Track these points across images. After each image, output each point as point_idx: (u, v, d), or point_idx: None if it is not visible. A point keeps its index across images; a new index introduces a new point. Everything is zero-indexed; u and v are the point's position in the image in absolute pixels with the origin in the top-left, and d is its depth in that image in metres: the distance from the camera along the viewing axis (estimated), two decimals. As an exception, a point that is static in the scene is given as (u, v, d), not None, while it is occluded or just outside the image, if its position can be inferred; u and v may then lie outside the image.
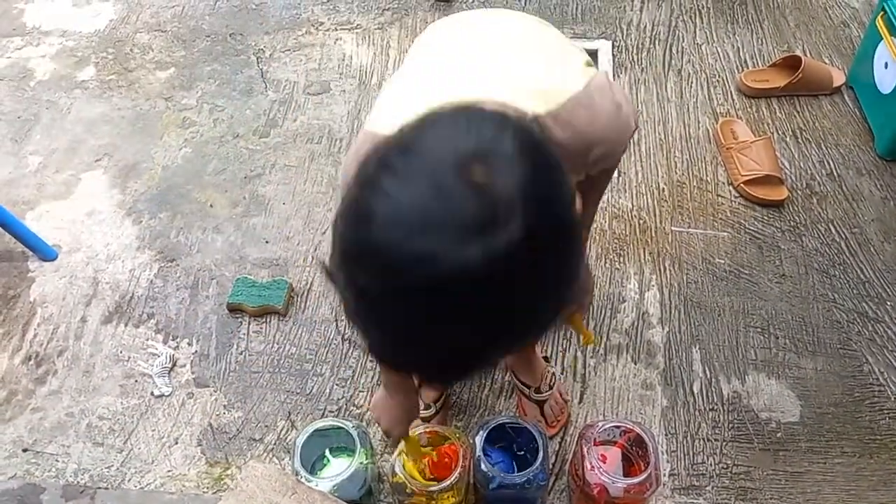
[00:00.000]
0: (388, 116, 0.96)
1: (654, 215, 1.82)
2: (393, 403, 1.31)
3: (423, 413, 1.46)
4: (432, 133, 0.70)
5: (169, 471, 1.48)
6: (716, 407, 1.53)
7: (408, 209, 0.66)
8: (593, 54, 2.12)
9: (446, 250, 0.64)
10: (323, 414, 1.54)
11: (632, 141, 1.33)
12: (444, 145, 0.68)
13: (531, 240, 0.65)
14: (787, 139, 1.97)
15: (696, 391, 1.55)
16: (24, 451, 1.51)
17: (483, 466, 1.28)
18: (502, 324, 0.70)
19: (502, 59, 1.01)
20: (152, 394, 1.58)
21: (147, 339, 1.66)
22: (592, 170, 1.10)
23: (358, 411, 1.54)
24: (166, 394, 1.58)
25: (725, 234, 1.79)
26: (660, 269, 1.73)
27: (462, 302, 0.67)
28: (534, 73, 1.00)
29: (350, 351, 1.63)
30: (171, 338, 1.66)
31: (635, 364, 1.59)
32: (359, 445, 1.30)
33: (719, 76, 2.11)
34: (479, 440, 1.31)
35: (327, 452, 1.37)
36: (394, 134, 0.73)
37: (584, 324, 1.33)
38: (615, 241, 1.77)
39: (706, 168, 1.92)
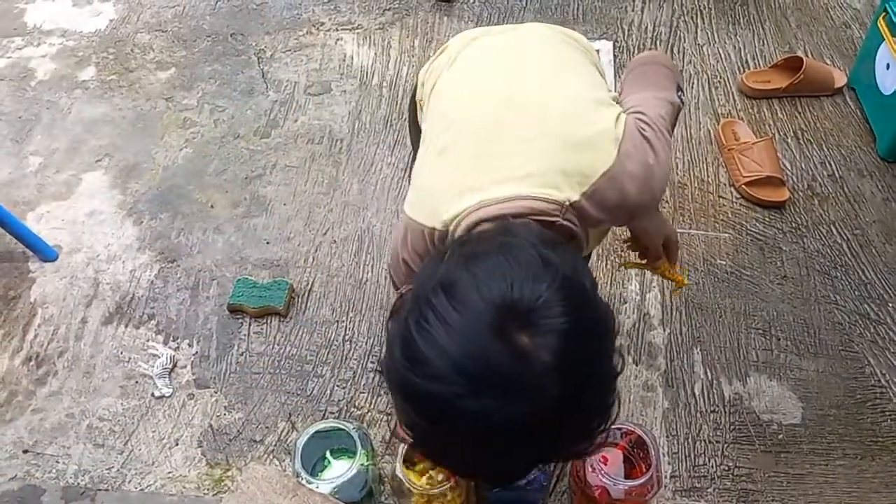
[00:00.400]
0: (424, 205, 0.98)
1: (656, 216, 1.82)
2: None
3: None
4: (480, 278, 0.75)
5: (169, 472, 1.48)
6: (717, 409, 1.53)
7: (457, 365, 0.72)
8: (594, 55, 2.12)
9: (491, 411, 0.72)
10: (324, 415, 1.53)
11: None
12: (490, 298, 0.73)
13: (573, 399, 0.73)
14: (789, 140, 1.97)
15: (697, 393, 1.55)
16: (25, 452, 1.51)
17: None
18: (543, 452, 0.79)
19: (537, 132, 0.97)
20: (153, 395, 1.58)
21: (147, 340, 1.66)
22: (641, 216, 1.15)
23: (359, 412, 1.54)
24: (167, 395, 1.57)
25: (727, 235, 1.79)
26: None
27: (506, 445, 0.74)
28: (566, 151, 0.96)
29: (351, 352, 1.63)
30: (171, 339, 1.66)
31: (636, 365, 1.59)
32: (360, 447, 1.30)
33: (720, 77, 2.11)
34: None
35: (328, 454, 1.37)
36: (445, 261, 0.79)
37: (676, 269, 1.33)
38: (616, 241, 1.76)
39: (707, 169, 1.91)
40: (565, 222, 0.92)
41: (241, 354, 1.63)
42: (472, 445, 0.75)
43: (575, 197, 0.92)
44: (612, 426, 0.80)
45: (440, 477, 1.27)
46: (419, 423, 0.78)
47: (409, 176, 1.10)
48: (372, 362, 1.60)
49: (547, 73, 1.08)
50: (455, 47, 1.17)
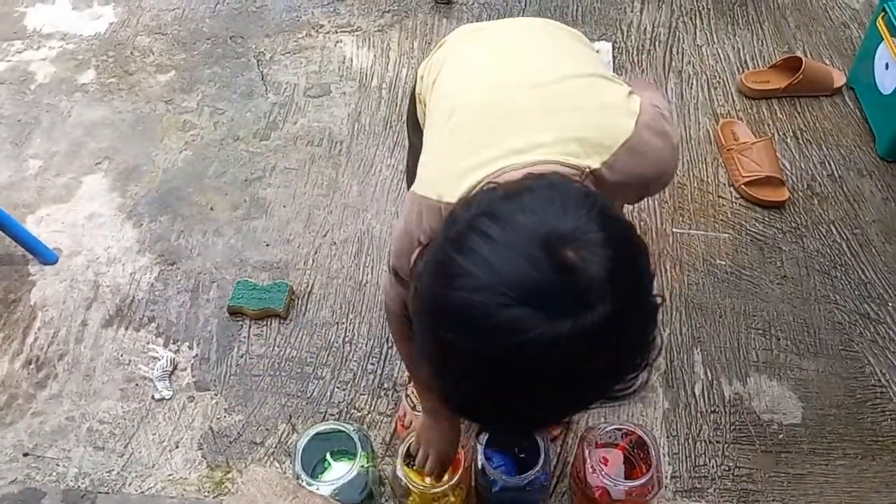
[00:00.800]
0: (442, 183, 0.96)
1: (655, 217, 1.82)
2: (440, 429, 1.26)
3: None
4: (525, 207, 0.73)
5: (170, 475, 1.48)
6: (717, 409, 1.53)
7: (501, 275, 0.69)
8: (593, 56, 2.12)
9: (536, 324, 0.68)
10: (324, 417, 1.53)
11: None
12: (537, 222, 0.72)
13: (617, 320, 0.70)
14: (788, 140, 1.97)
15: (697, 393, 1.55)
16: (25, 455, 1.51)
17: (485, 469, 1.27)
18: (579, 391, 0.75)
19: (552, 108, 0.98)
20: (153, 397, 1.58)
21: (148, 343, 1.66)
22: (648, 196, 1.16)
23: (359, 414, 1.54)
24: (167, 397, 1.57)
25: (726, 235, 1.79)
26: (661, 271, 1.73)
27: (542, 371, 0.70)
28: (583, 122, 0.97)
29: (351, 354, 1.63)
30: (171, 341, 1.66)
31: (636, 366, 1.59)
32: (360, 449, 1.30)
33: (720, 77, 2.11)
34: (480, 442, 1.30)
35: (328, 456, 1.37)
36: (480, 198, 0.77)
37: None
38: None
39: (707, 169, 1.91)
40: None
41: (242, 357, 1.63)
42: (510, 371, 0.70)
43: (595, 165, 0.93)
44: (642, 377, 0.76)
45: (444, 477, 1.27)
46: (447, 344, 0.72)
47: (407, 174, 1.10)
48: (372, 363, 1.60)
49: (553, 54, 1.10)
50: (454, 41, 1.18)
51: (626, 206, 1.83)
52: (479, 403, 0.76)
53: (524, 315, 0.68)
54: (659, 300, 0.78)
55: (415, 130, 1.26)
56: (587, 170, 0.93)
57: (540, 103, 0.99)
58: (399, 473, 1.28)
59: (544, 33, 1.18)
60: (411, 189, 1.02)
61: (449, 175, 0.96)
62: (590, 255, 0.70)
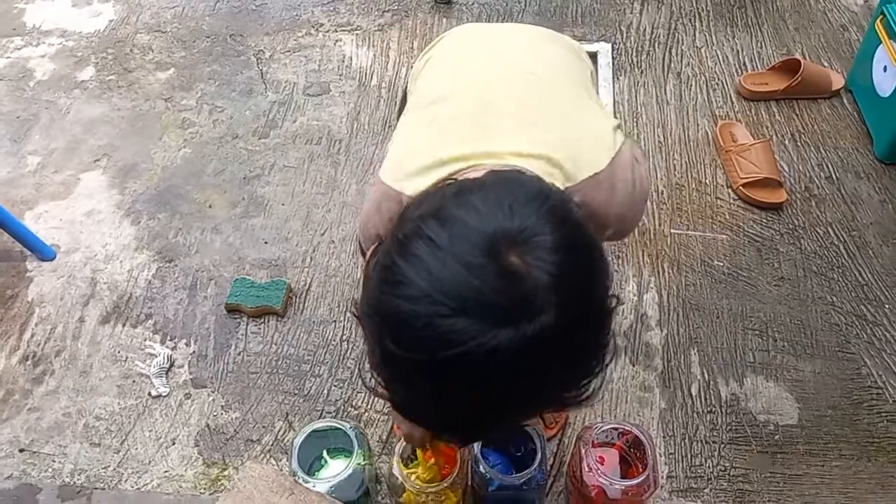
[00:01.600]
0: (406, 173, 0.94)
1: (653, 217, 1.82)
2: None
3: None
4: (473, 205, 0.71)
5: (166, 471, 1.48)
6: (714, 409, 1.53)
7: (441, 285, 0.67)
8: (593, 57, 2.12)
9: (475, 334, 0.66)
10: (321, 415, 1.53)
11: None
12: (483, 222, 0.69)
13: (560, 329, 0.68)
14: (786, 142, 1.97)
15: (694, 393, 1.55)
16: (21, 451, 1.51)
17: (481, 468, 1.27)
18: (524, 397, 0.72)
19: (524, 114, 0.96)
20: (150, 394, 1.58)
21: (145, 340, 1.66)
22: (605, 239, 1.07)
23: (356, 412, 1.54)
24: (164, 394, 1.57)
25: (724, 236, 1.79)
26: (658, 272, 1.73)
27: (484, 379, 0.68)
28: (560, 141, 0.93)
29: (348, 352, 1.63)
30: (168, 338, 1.66)
31: (633, 366, 1.59)
32: (356, 446, 1.30)
33: (718, 79, 2.11)
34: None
35: (325, 453, 1.37)
36: (432, 195, 0.74)
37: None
38: (614, 242, 1.76)
39: (705, 171, 1.92)
40: None
41: (239, 354, 1.63)
42: (451, 381, 0.69)
43: (557, 185, 0.90)
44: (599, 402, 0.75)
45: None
46: (394, 357, 0.71)
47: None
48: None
49: (543, 66, 1.08)
50: (446, 40, 1.18)
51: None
52: (422, 406, 0.76)
53: (464, 325, 0.66)
54: (614, 302, 0.75)
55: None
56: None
57: (519, 112, 0.96)
58: (395, 471, 1.28)
59: (539, 43, 1.16)
60: (378, 172, 1.00)
61: (415, 166, 0.94)
62: (535, 261, 0.68)
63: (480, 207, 0.70)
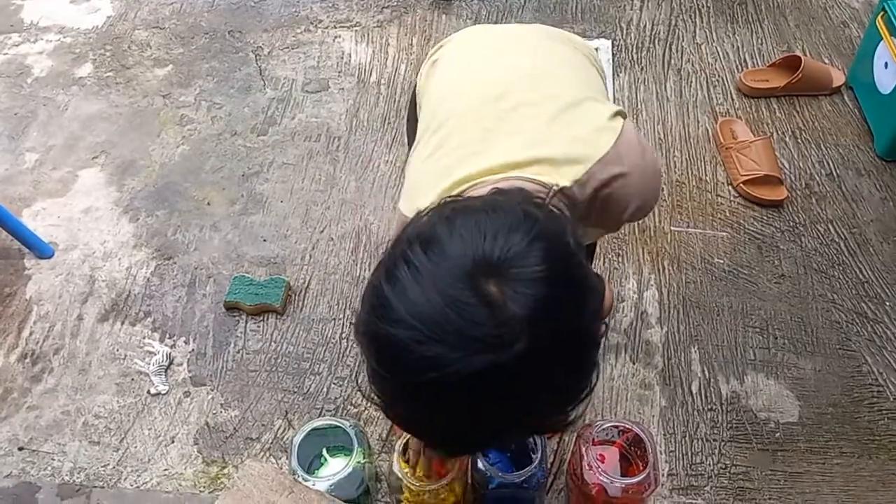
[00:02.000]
0: (417, 207, 0.93)
1: (653, 215, 1.81)
2: None
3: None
4: (458, 232, 0.72)
5: (165, 470, 1.47)
6: (714, 407, 1.53)
7: (418, 311, 0.70)
8: (593, 53, 2.12)
9: (452, 361, 0.68)
10: (320, 413, 1.53)
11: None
12: (465, 249, 0.71)
13: (537, 357, 0.69)
14: (787, 139, 1.97)
15: (694, 391, 1.55)
16: (20, 449, 1.51)
17: (481, 465, 1.27)
18: (504, 422, 0.74)
19: (530, 119, 0.97)
20: (149, 392, 1.57)
21: (144, 338, 1.65)
22: (629, 222, 1.08)
23: (355, 410, 1.53)
24: (163, 392, 1.57)
25: (724, 233, 1.79)
26: (658, 269, 1.73)
27: (461, 405, 0.71)
28: (560, 141, 0.95)
29: (348, 350, 1.62)
30: (167, 336, 1.65)
31: (634, 364, 1.59)
32: (356, 445, 1.30)
33: (719, 76, 2.11)
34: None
35: (324, 452, 1.37)
36: (428, 216, 0.76)
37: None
38: (614, 240, 1.76)
39: (705, 168, 1.91)
40: (552, 207, 0.91)
41: (238, 352, 1.63)
42: (429, 403, 0.72)
43: (565, 183, 0.92)
44: (599, 419, 0.77)
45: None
46: (380, 375, 0.75)
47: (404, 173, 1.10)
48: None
49: (546, 68, 1.07)
50: (451, 44, 1.18)
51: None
52: (407, 421, 0.80)
53: (439, 351, 0.68)
54: (602, 329, 0.77)
55: (414, 131, 1.26)
56: (555, 187, 0.90)
57: (517, 118, 0.97)
58: (395, 469, 1.27)
59: (539, 43, 1.15)
60: (398, 204, 1.02)
61: (426, 200, 0.94)
62: (513, 292, 0.69)
63: (464, 234, 0.72)
